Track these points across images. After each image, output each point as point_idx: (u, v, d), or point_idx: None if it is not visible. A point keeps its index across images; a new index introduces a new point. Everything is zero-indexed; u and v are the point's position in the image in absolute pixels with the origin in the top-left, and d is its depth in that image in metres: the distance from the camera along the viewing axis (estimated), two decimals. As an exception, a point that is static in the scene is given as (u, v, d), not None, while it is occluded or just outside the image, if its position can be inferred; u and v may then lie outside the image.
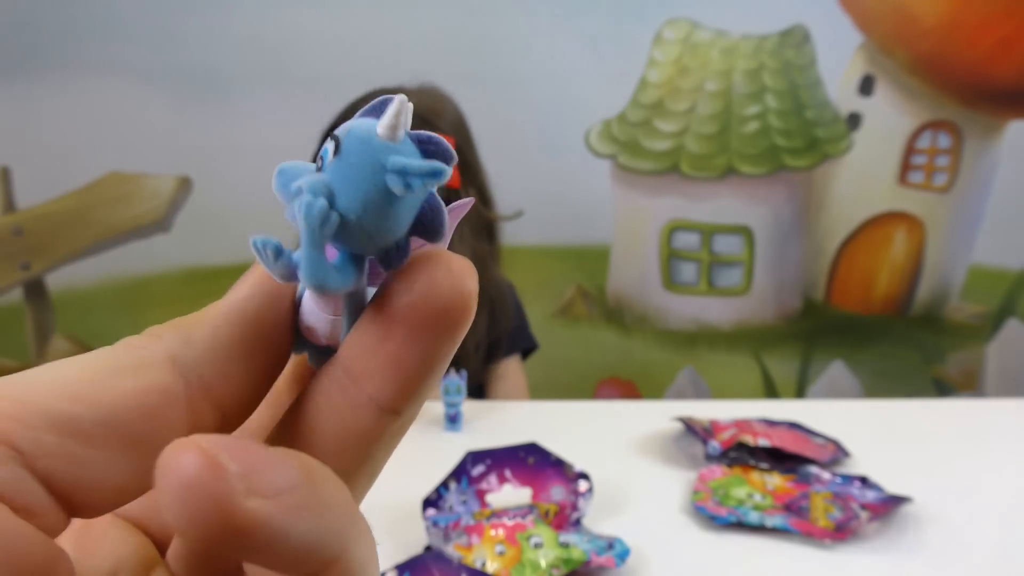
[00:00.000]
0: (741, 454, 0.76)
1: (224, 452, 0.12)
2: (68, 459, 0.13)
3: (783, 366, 1.69)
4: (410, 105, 0.15)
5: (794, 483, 0.70)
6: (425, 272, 0.15)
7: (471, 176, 1.03)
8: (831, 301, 1.67)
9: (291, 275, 0.15)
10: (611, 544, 0.59)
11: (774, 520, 0.63)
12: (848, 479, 0.70)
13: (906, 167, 1.60)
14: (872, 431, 0.86)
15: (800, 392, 1.70)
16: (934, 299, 1.66)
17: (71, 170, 1.59)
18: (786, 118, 1.57)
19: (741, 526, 0.64)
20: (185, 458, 0.12)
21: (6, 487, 0.13)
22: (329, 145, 0.15)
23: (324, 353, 0.17)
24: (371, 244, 0.15)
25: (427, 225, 0.16)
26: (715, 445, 0.76)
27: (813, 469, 0.72)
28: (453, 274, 0.15)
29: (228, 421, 0.16)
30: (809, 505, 0.66)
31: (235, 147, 1.57)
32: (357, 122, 0.15)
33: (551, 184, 1.59)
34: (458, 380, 0.84)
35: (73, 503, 0.13)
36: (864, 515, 0.64)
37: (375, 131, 0.15)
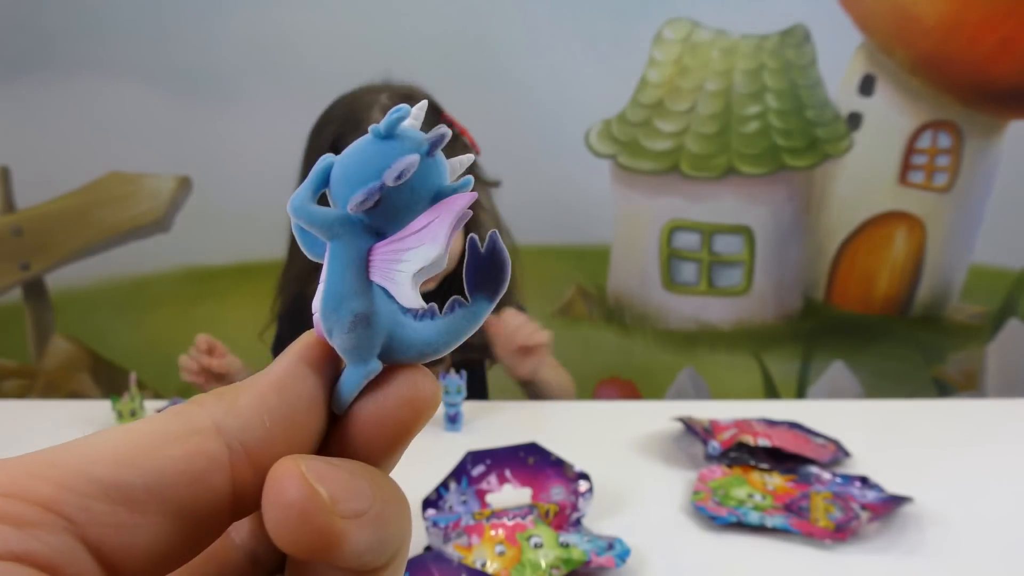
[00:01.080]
0: (741, 454, 0.76)
1: (317, 478, 0.14)
2: (116, 527, 0.13)
3: (783, 366, 1.69)
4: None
5: (794, 483, 0.70)
6: (395, 395, 0.17)
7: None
8: (831, 301, 1.67)
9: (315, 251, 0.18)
10: (611, 544, 0.58)
11: (774, 520, 0.63)
12: (848, 479, 0.70)
13: (906, 167, 1.59)
14: (872, 431, 0.85)
15: (800, 392, 1.69)
16: (934, 299, 1.66)
17: (71, 170, 1.59)
18: (786, 118, 1.56)
19: (741, 526, 0.64)
20: (288, 483, 0.14)
21: (58, 556, 0.13)
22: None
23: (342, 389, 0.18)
24: (349, 187, 0.17)
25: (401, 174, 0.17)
26: (715, 445, 0.76)
27: (813, 469, 0.72)
28: (416, 410, 0.17)
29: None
30: (809, 505, 0.66)
31: (235, 147, 1.57)
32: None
33: (551, 184, 1.59)
34: (458, 380, 0.84)
35: (118, 570, 0.14)
36: (864, 515, 0.64)
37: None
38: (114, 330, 1.67)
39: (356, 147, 0.17)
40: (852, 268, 1.65)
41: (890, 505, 0.65)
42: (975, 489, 0.72)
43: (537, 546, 0.57)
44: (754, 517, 0.64)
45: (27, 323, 1.66)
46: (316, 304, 0.18)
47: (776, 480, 0.70)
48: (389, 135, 0.17)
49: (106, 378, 1.68)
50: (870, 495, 0.67)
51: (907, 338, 1.68)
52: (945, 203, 1.61)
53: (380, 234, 0.17)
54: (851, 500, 0.66)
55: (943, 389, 1.69)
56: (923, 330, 1.67)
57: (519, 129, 1.57)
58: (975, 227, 1.62)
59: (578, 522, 0.62)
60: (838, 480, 0.70)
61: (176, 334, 1.68)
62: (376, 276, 0.17)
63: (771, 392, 1.69)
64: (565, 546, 0.57)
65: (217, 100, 1.55)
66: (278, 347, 1.09)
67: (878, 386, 1.68)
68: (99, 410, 0.88)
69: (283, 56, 1.54)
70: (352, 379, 0.17)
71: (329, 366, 0.18)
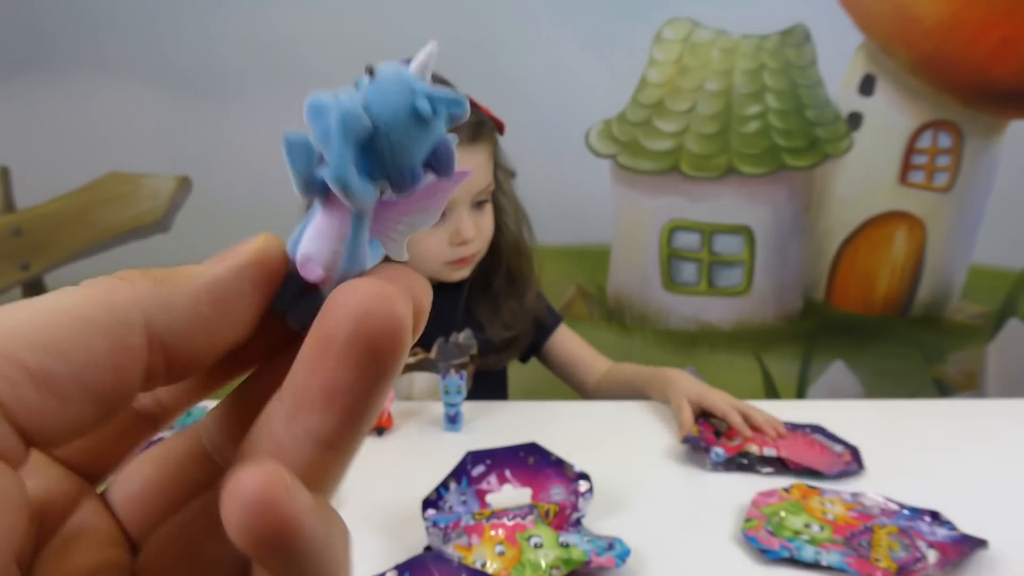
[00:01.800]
0: (749, 460, 0.75)
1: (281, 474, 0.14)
2: (42, 412, 0.14)
3: (783, 366, 1.68)
4: (436, 54, 0.17)
5: (857, 513, 0.65)
6: (355, 297, 0.15)
7: None
8: (831, 301, 1.67)
9: (309, 182, 0.17)
10: (611, 544, 0.58)
11: (830, 558, 0.58)
12: (917, 512, 0.65)
13: (907, 167, 1.59)
14: (872, 431, 0.85)
15: (800, 392, 1.69)
16: (935, 299, 1.66)
17: (70, 170, 1.58)
18: (786, 118, 1.56)
19: (793, 562, 0.59)
20: (252, 479, 0.14)
21: None
22: (364, 75, 0.17)
23: (309, 304, 0.17)
24: (391, 163, 0.17)
25: (441, 161, 0.18)
26: (719, 452, 0.75)
27: (879, 499, 0.67)
28: (385, 299, 0.15)
29: (173, 379, 0.16)
30: (871, 541, 0.61)
31: (235, 147, 1.57)
32: (389, 62, 0.17)
33: (551, 184, 1.59)
34: (458, 380, 0.84)
35: (36, 441, 0.14)
36: (932, 556, 0.58)
37: (406, 68, 0.17)
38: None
39: (398, 121, 0.17)
40: (852, 268, 1.65)
41: (963, 548, 0.60)
42: (976, 489, 0.72)
43: (537, 546, 0.57)
44: (808, 553, 0.59)
45: (27, 323, 1.66)
46: (311, 246, 0.17)
47: (837, 509, 0.65)
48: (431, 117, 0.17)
49: (106, 378, 1.68)
50: (940, 533, 0.62)
51: (907, 338, 1.67)
52: (945, 203, 1.61)
53: (382, 190, 0.17)
54: (918, 537, 0.61)
55: (943, 389, 1.69)
56: (923, 330, 1.67)
57: (519, 129, 1.56)
58: (975, 227, 1.62)
59: (578, 522, 0.62)
60: (905, 513, 0.65)
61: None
62: (375, 231, 0.18)
63: (771, 392, 1.69)
64: (565, 546, 0.57)
65: (217, 100, 1.55)
66: None
67: (878, 386, 1.68)
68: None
69: (283, 56, 1.54)
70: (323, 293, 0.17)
71: (270, 288, 0.17)
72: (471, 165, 0.95)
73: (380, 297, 0.15)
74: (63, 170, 1.58)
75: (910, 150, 1.59)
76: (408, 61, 0.17)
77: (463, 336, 1.05)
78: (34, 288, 1.64)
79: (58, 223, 1.60)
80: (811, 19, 1.52)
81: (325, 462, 0.16)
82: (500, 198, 1.04)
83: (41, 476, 0.17)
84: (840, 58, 1.55)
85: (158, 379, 0.16)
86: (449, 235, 0.95)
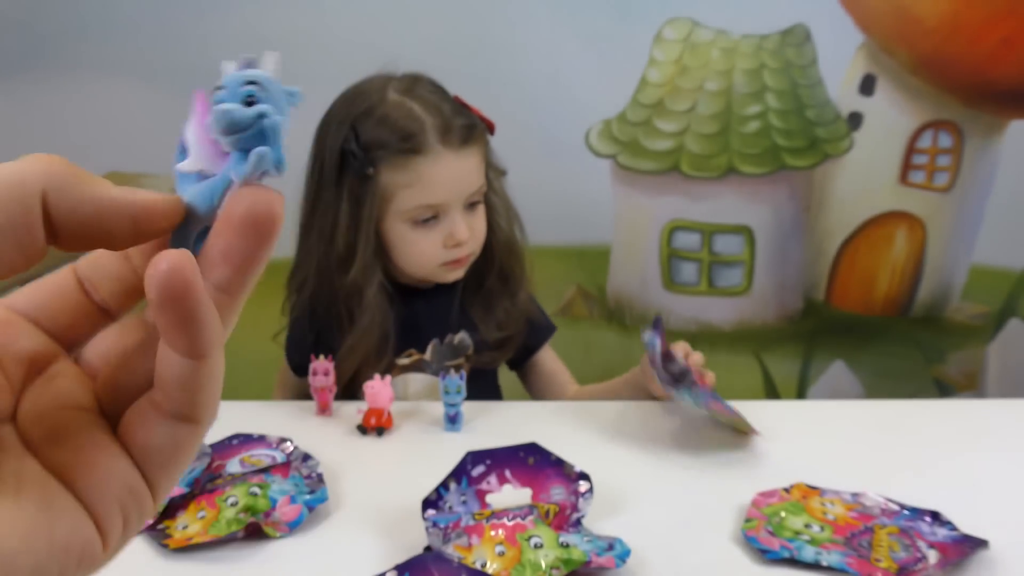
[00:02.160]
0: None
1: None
2: None
3: (784, 366, 1.68)
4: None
5: (857, 513, 0.65)
6: (250, 196, 0.23)
7: None
8: (832, 301, 1.67)
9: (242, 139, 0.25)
10: (611, 545, 0.58)
11: (831, 558, 0.58)
12: (917, 512, 0.65)
13: (907, 167, 1.59)
14: (873, 432, 0.85)
15: (801, 392, 1.69)
16: (935, 299, 1.66)
17: (69, 169, 1.58)
18: (787, 118, 1.56)
19: (793, 562, 0.59)
20: (169, 255, 0.21)
21: None
22: (255, 87, 0.25)
23: (182, 237, 0.25)
24: (269, 140, 0.24)
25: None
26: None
27: (879, 499, 0.66)
28: (268, 198, 0.23)
29: (65, 247, 0.22)
30: (872, 541, 0.61)
31: (234, 147, 1.57)
32: (260, 73, 0.26)
33: (551, 184, 1.59)
34: (458, 380, 0.84)
35: None
36: (932, 556, 0.58)
37: (272, 76, 0.26)
38: (113, 330, 1.66)
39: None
40: (852, 268, 1.65)
41: (963, 548, 0.59)
42: (976, 490, 0.72)
43: (537, 546, 0.57)
44: (809, 553, 0.59)
45: (25, 323, 1.66)
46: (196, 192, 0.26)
47: (838, 509, 0.65)
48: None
49: (105, 378, 1.68)
50: (941, 533, 0.62)
51: (908, 338, 1.67)
52: (946, 203, 1.61)
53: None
54: (919, 537, 0.61)
55: (944, 389, 1.69)
56: (924, 330, 1.67)
57: (519, 129, 1.56)
58: (976, 227, 1.62)
59: (578, 522, 0.62)
60: (906, 513, 0.65)
61: (175, 334, 1.69)
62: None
63: (772, 392, 1.69)
64: (565, 546, 0.57)
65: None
66: (292, 349, 1.07)
67: (879, 386, 1.68)
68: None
69: (282, 56, 1.53)
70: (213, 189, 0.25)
71: (151, 228, 0.24)
72: (463, 168, 0.95)
73: (261, 191, 0.23)
74: (62, 170, 1.58)
75: (910, 150, 1.58)
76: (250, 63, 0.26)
77: (458, 338, 1.05)
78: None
79: (57, 223, 1.60)
80: (811, 19, 1.52)
81: (221, 303, 0.23)
82: (491, 197, 1.03)
83: (32, 338, 0.24)
84: (840, 58, 1.55)
85: (57, 241, 0.22)
86: (443, 237, 0.95)
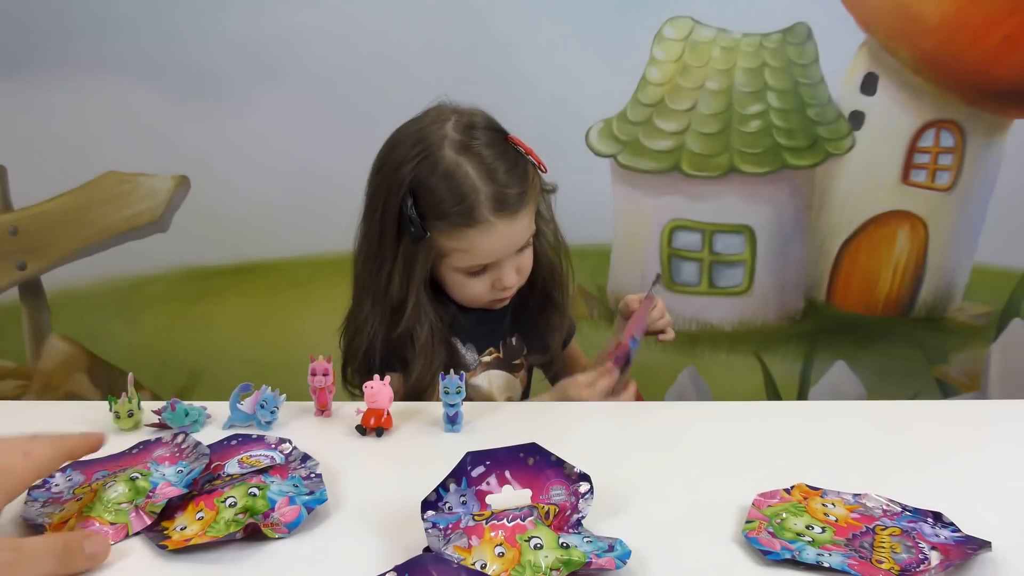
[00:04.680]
0: None
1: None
2: None
3: (785, 367, 1.68)
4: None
5: (859, 515, 0.65)
6: None
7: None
8: (833, 301, 1.66)
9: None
10: (612, 546, 0.58)
11: (832, 560, 0.58)
12: (919, 513, 0.64)
13: (909, 166, 1.59)
14: (874, 432, 0.85)
15: (802, 393, 1.69)
16: (937, 299, 1.65)
17: (67, 169, 1.58)
18: (788, 117, 1.56)
19: (794, 563, 0.58)
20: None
21: None
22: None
23: None
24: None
25: None
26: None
27: (882, 500, 0.66)
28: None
29: None
30: (873, 543, 0.60)
31: (233, 146, 1.56)
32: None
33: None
34: (458, 380, 0.83)
35: None
36: (935, 557, 0.58)
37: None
38: (111, 330, 1.66)
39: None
40: (854, 268, 1.64)
41: (965, 549, 0.59)
42: (978, 490, 0.71)
43: (537, 547, 0.56)
44: (810, 554, 0.58)
45: (23, 323, 1.66)
46: None
47: (839, 510, 0.65)
48: None
49: (103, 379, 1.67)
50: (943, 534, 0.61)
51: (909, 338, 1.67)
52: (948, 202, 1.61)
53: None
54: (921, 539, 0.61)
55: (946, 390, 1.68)
56: (925, 330, 1.67)
57: (519, 129, 1.55)
58: (978, 227, 1.62)
59: (578, 523, 0.62)
60: (908, 514, 0.64)
61: (174, 334, 1.68)
62: None
63: (773, 393, 1.68)
64: (565, 547, 0.57)
65: (215, 99, 1.55)
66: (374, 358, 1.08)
67: (880, 387, 1.67)
68: (96, 411, 0.88)
69: (281, 56, 1.53)
70: None
71: None
72: (514, 232, 1.01)
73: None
74: (60, 169, 1.58)
75: (912, 149, 1.58)
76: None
77: (514, 339, 1.14)
78: (31, 288, 1.64)
79: (55, 222, 1.60)
80: (813, 17, 1.52)
81: None
82: (539, 223, 1.09)
83: None
84: (842, 57, 1.55)
85: None
86: (492, 281, 1.03)
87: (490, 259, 1.01)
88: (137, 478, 0.64)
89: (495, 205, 0.97)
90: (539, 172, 1.07)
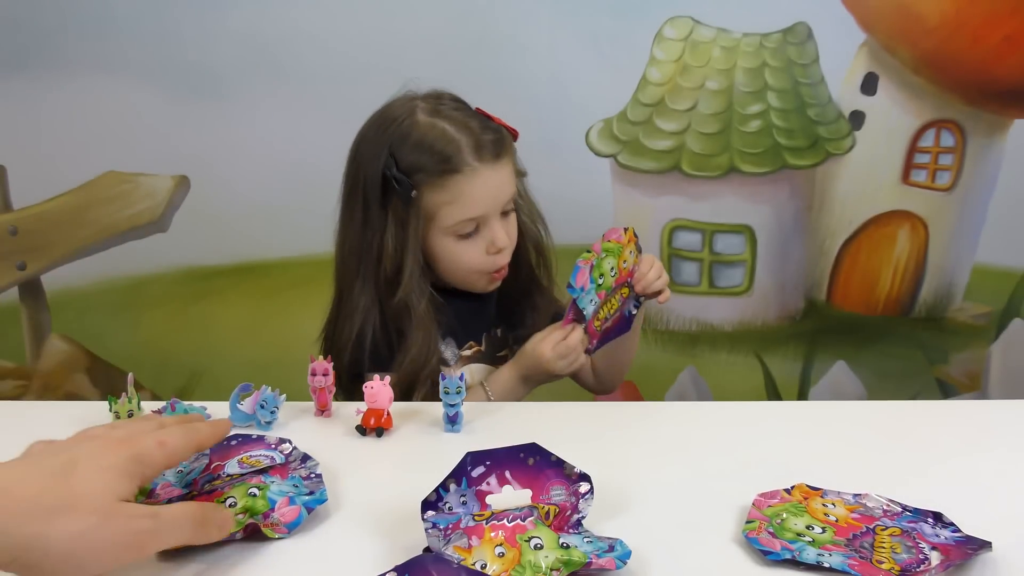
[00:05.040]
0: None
1: None
2: None
3: (785, 367, 1.68)
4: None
5: (859, 515, 0.65)
6: None
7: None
8: (833, 301, 1.66)
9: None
10: (612, 546, 0.58)
11: (833, 559, 0.58)
12: (919, 513, 0.64)
13: (909, 166, 1.59)
14: (875, 433, 0.85)
15: (802, 393, 1.69)
16: (937, 299, 1.65)
17: (67, 169, 1.58)
18: (788, 117, 1.56)
19: (795, 563, 0.59)
20: None
21: None
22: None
23: None
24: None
25: None
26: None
27: (882, 500, 0.66)
28: None
29: None
30: (873, 543, 0.61)
31: (233, 146, 1.56)
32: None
33: (551, 184, 1.58)
34: (458, 381, 0.83)
35: None
36: (935, 557, 0.58)
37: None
38: (111, 330, 1.66)
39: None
40: (854, 268, 1.64)
41: (966, 549, 0.59)
42: (978, 491, 0.71)
43: (537, 547, 0.56)
44: (810, 554, 0.58)
45: (23, 323, 1.66)
46: None
47: (839, 510, 0.65)
48: None
49: (103, 379, 1.67)
50: (943, 534, 0.62)
51: (910, 339, 1.67)
52: (948, 203, 1.61)
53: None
54: (921, 539, 0.61)
55: (946, 390, 1.68)
56: (926, 330, 1.67)
57: (519, 128, 1.56)
58: (978, 227, 1.62)
59: (578, 523, 0.62)
60: (908, 515, 0.65)
61: (174, 334, 1.68)
62: None
63: (773, 393, 1.68)
64: (565, 547, 0.57)
65: (215, 99, 1.55)
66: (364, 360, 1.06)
67: (880, 387, 1.67)
68: (96, 411, 0.88)
69: (281, 55, 1.53)
70: None
71: None
72: (499, 179, 1.02)
73: None
74: (60, 169, 1.58)
75: (912, 149, 1.58)
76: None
77: (499, 331, 1.14)
78: (30, 288, 1.64)
79: (55, 222, 1.60)
80: (813, 17, 1.52)
81: None
82: (517, 200, 1.10)
83: None
84: (842, 56, 1.55)
85: None
86: (485, 245, 1.03)
87: (477, 210, 1.00)
88: (255, 495, 0.64)
89: (475, 150, 0.99)
90: (511, 143, 1.08)
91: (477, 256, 1.03)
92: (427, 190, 0.99)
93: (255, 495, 0.64)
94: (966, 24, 1.51)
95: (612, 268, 0.98)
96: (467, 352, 1.11)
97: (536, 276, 1.15)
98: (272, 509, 0.63)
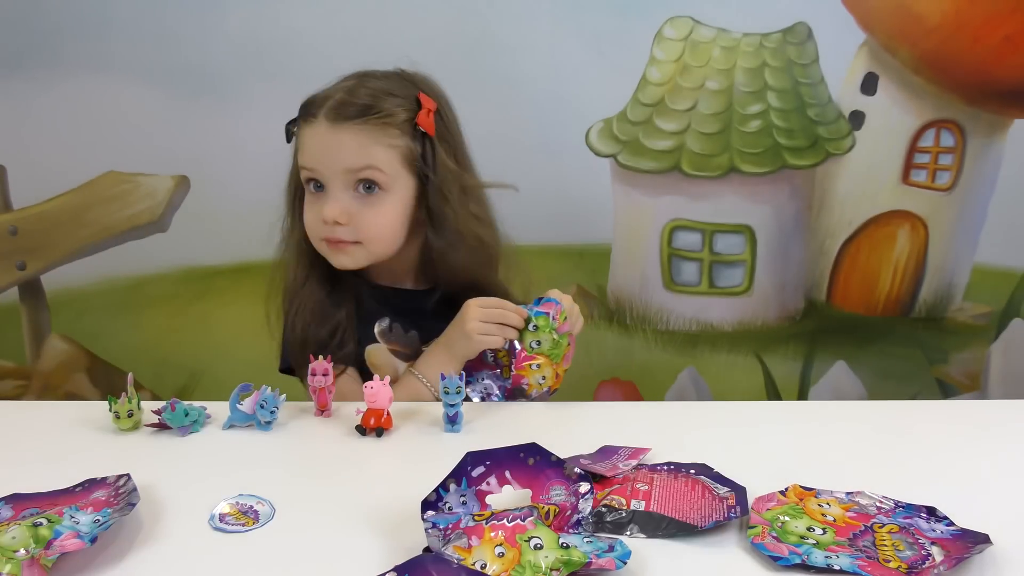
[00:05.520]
0: (612, 518, 0.65)
1: None
2: None
3: (785, 367, 1.68)
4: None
5: (855, 513, 0.65)
6: None
7: (454, 148, 1.06)
8: (833, 301, 1.66)
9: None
10: (612, 546, 0.58)
11: (842, 561, 0.58)
12: (912, 509, 0.65)
13: (909, 166, 1.59)
14: (875, 433, 0.85)
15: (802, 393, 1.69)
16: (937, 299, 1.65)
17: (67, 169, 1.58)
18: (788, 117, 1.56)
19: (805, 567, 0.58)
20: None
21: None
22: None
23: None
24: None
25: None
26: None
27: (875, 497, 0.67)
28: None
29: None
30: (875, 540, 0.61)
31: (232, 146, 1.56)
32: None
33: (551, 184, 1.58)
34: (458, 380, 0.83)
35: None
36: (937, 552, 0.59)
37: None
38: (111, 330, 1.66)
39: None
40: (854, 268, 1.64)
41: (965, 543, 0.60)
42: (979, 491, 0.71)
43: (537, 547, 0.56)
44: (819, 557, 0.58)
45: (23, 323, 1.65)
46: None
47: (835, 510, 0.65)
48: None
49: (103, 379, 1.67)
50: (939, 529, 0.62)
51: (910, 338, 1.67)
52: (948, 202, 1.61)
53: None
54: (919, 535, 0.61)
55: (946, 390, 1.68)
56: (926, 330, 1.67)
57: (519, 128, 1.56)
58: (978, 227, 1.62)
59: (578, 523, 0.62)
60: (901, 510, 0.65)
61: (173, 334, 1.68)
62: None
63: (773, 393, 1.68)
64: (565, 548, 0.57)
65: (215, 99, 1.55)
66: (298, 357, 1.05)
67: (880, 387, 1.67)
68: (96, 411, 0.88)
69: (281, 55, 1.53)
70: None
71: None
72: (336, 142, 0.98)
73: None
74: (60, 169, 1.58)
75: (912, 149, 1.58)
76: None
77: (410, 333, 1.07)
78: (30, 288, 1.64)
79: (55, 222, 1.60)
80: (813, 17, 1.52)
81: None
82: (442, 206, 1.02)
83: None
84: (842, 56, 1.54)
85: None
86: (323, 209, 1.00)
87: (309, 161, 1.00)
88: (41, 524, 0.60)
89: (331, 107, 0.99)
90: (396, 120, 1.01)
91: (315, 218, 1.01)
92: (295, 133, 1.03)
93: (40, 525, 0.60)
94: (966, 24, 1.51)
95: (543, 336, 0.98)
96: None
97: (479, 277, 1.06)
98: (55, 539, 0.59)
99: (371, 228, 1.00)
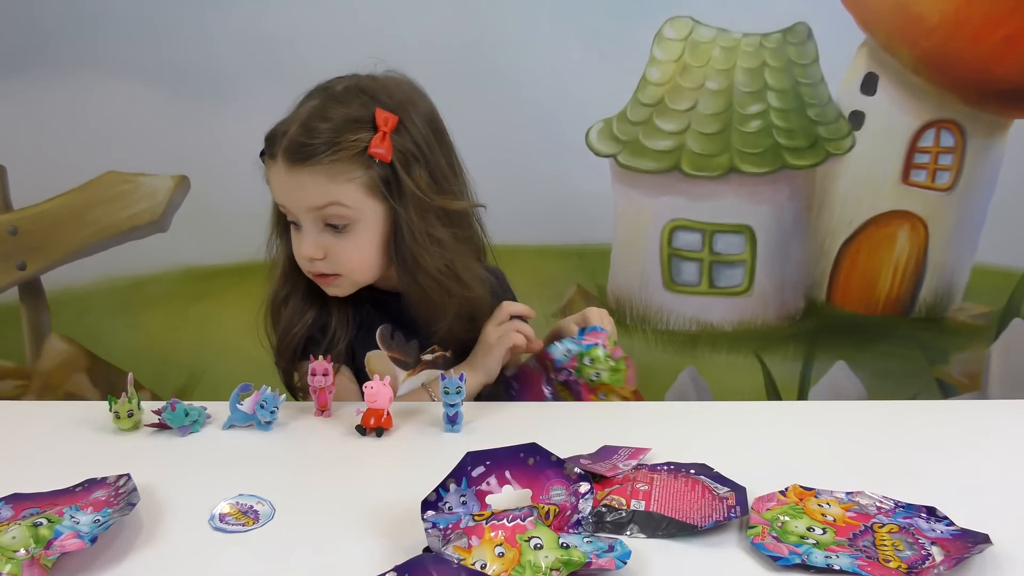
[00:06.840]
0: (611, 518, 0.65)
1: None
2: None
3: (785, 367, 1.68)
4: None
5: (855, 513, 0.65)
6: None
7: (423, 161, 0.98)
8: (833, 301, 1.66)
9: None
10: (612, 546, 0.58)
11: (842, 561, 0.58)
12: (912, 509, 0.65)
13: (909, 166, 1.59)
14: (875, 433, 0.85)
15: (802, 393, 1.69)
16: (937, 299, 1.65)
17: (67, 169, 1.58)
18: (788, 117, 1.56)
19: (805, 567, 0.58)
20: None
21: None
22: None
23: None
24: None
25: None
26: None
27: (876, 496, 0.67)
28: None
29: None
30: (875, 540, 0.61)
31: (233, 146, 1.55)
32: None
33: (551, 184, 1.58)
34: (458, 381, 0.83)
35: None
36: (936, 552, 0.59)
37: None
38: (111, 330, 1.66)
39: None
40: (854, 268, 1.64)
41: (965, 543, 0.60)
42: (979, 491, 0.71)
43: (537, 547, 0.56)
44: (819, 557, 0.58)
45: (23, 323, 1.65)
46: None
47: (835, 510, 0.65)
48: None
49: (103, 379, 1.67)
50: (939, 528, 0.62)
51: (910, 338, 1.67)
52: (948, 202, 1.61)
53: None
54: (919, 534, 0.61)
55: (946, 390, 1.68)
56: (926, 330, 1.67)
57: (519, 129, 1.56)
58: (978, 227, 1.62)
59: (578, 523, 0.62)
60: (901, 510, 0.65)
61: (173, 334, 1.68)
62: None
63: (773, 393, 1.68)
64: (565, 548, 0.56)
65: (215, 99, 1.55)
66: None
67: (880, 387, 1.67)
68: (96, 411, 0.88)
69: (281, 55, 1.53)
70: None
71: None
72: (293, 184, 0.95)
73: None
74: (60, 169, 1.58)
75: (912, 149, 1.58)
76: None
77: (411, 342, 1.07)
78: (30, 288, 1.64)
79: (55, 222, 1.60)
80: (812, 17, 1.52)
81: None
82: (402, 244, 0.97)
83: None
84: (842, 56, 1.55)
85: None
86: (300, 249, 0.98)
87: (279, 199, 0.99)
88: (41, 524, 0.60)
89: (286, 148, 0.94)
90: (368, 160, 0.95)
91: (295, 252, 0.99)
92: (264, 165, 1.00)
93: (40, 525, 0.60)
94: (966, 24, 1.51)
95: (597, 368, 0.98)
96: (428, 356, 1.06)
97: (451, 304, 1.01)
98: (55, 539, 0.60)
99: (348, 262, 0.98)
